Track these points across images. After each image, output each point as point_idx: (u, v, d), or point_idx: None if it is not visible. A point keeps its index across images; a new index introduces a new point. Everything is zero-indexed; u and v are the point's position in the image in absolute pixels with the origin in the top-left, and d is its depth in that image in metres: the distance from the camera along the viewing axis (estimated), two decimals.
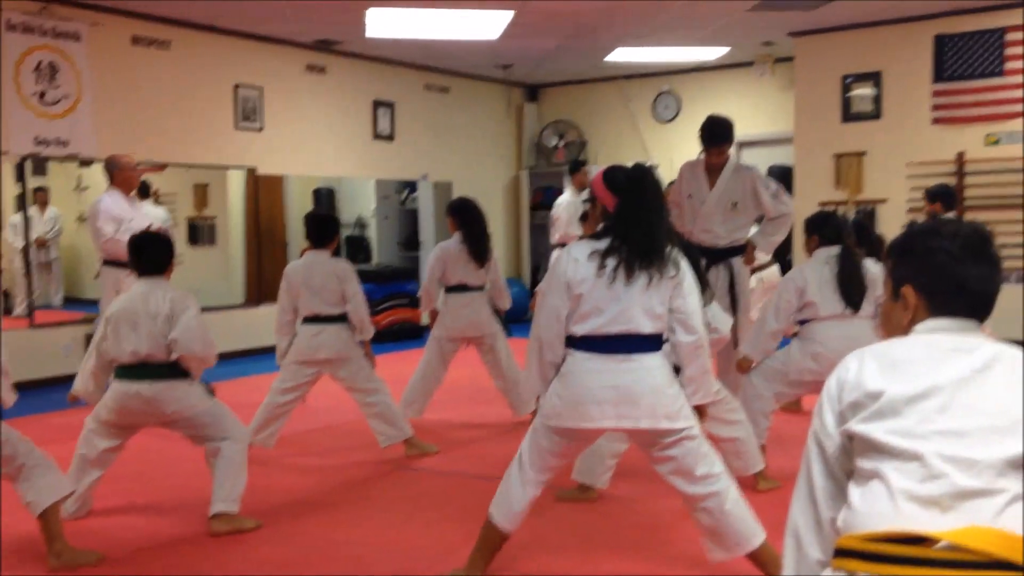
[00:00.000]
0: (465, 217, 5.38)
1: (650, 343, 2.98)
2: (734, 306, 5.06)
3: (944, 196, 6.58)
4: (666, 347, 3.06)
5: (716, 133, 5.07)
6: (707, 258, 4.83)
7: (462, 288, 5.39)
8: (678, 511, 3.93)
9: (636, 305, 2.93)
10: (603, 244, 2.98)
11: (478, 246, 5.34)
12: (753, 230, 5.39)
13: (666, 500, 4.08)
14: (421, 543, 3.59)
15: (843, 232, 4.40)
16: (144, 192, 7.98)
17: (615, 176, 3.11)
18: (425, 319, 5.92)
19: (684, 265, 3.03)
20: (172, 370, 3.69)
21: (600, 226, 3.10)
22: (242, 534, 3.73)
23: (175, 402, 3.70)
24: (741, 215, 5.10)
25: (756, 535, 3.03)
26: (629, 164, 3.20)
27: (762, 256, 5.88)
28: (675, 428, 2.98)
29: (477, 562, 3.14)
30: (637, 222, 2.97)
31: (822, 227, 4.42)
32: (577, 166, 8.84)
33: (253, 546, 3.63)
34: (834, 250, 4.33)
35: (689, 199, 5.14)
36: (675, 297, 2.99)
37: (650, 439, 3.05)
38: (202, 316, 3.75)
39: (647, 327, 2.95)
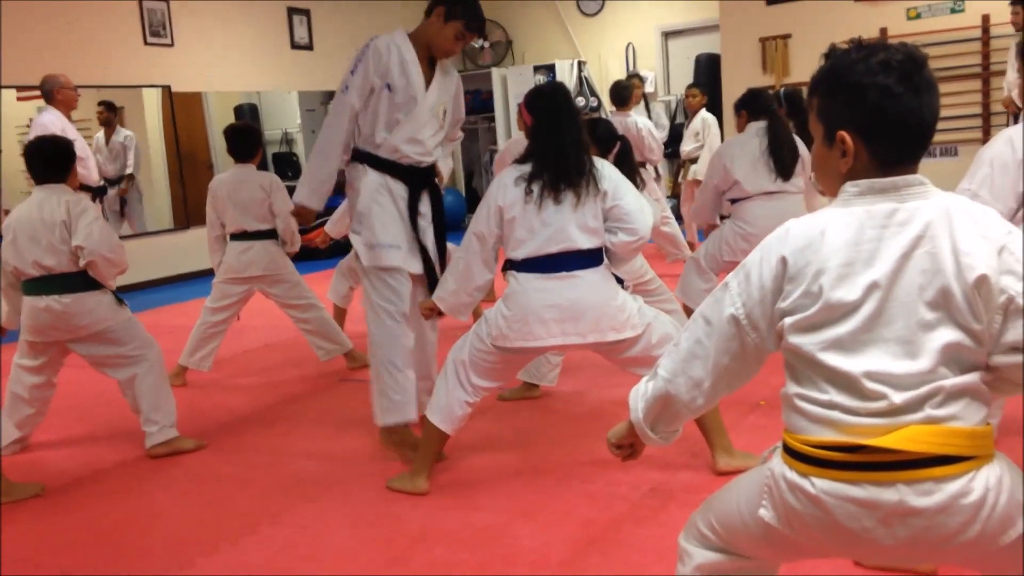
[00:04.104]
0: None
1: (590, 258, 2.97)
2: (440, 238, 3.65)
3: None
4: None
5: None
6: (410, 181, 3.52)
7: None
8: (620, 401, 3.99)
9: (570, 223, 2.92)
10: (527, 168, 2.97)
11: None
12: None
13: (608, 391, 4.14)
14: (367, 452, 3.59)
15: (771, 107, 4.46)
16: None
17: (529, 97, 3.09)
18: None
19: (609, 171, 3.00)
20: (81, 281, 3.53)
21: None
22: (184, 454, 3.69)
23: (87, 315, 3.54)
24: (443, 127, 3.70)
25: None
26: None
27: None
28: (622, 339, 2.99)
29: (421, 464, 3.14)
30: (551, 143, 2.96)
31: (750, 103, 4.49)
32: None
33: (196, 464, 3.60)
34: (763, 123, 4.38)
35: (389, 92, 3.44)
36: (609, 204, 2.96)
37: (601, 348, 3.07)
38: (102, 218, 3.61)
39: (585, 243, 2.95)
